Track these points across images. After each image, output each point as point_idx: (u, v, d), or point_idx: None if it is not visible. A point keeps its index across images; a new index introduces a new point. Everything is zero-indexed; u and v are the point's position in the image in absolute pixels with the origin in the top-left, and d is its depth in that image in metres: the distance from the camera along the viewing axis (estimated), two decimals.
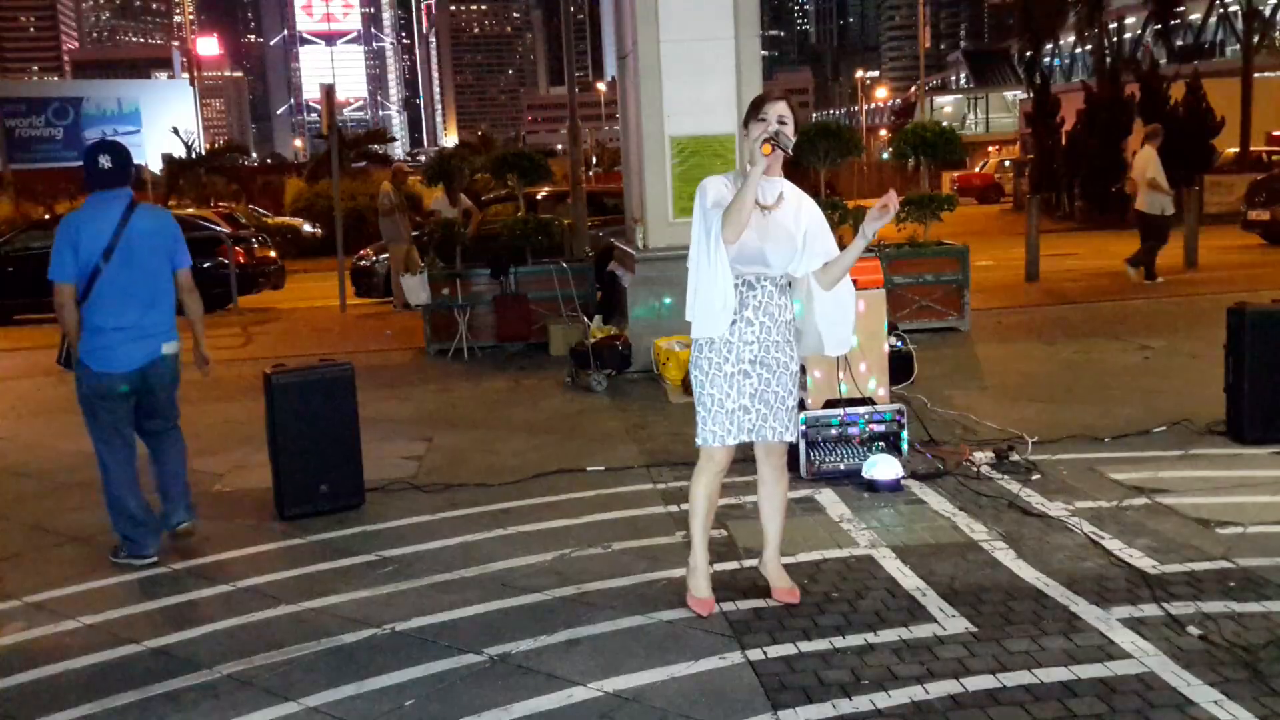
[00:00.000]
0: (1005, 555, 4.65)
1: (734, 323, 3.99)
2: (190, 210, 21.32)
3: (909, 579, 4.44)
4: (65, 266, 4.97)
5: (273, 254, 18.70)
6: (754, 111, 4.03)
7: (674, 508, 5.51)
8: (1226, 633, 3.76)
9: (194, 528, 5.43)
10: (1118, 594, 4.17)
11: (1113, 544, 4.71)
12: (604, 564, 4.74)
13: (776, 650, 3.81)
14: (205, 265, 16.54)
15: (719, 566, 4.63)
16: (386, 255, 15.36)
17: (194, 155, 38.37)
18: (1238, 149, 29.00)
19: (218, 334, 13.93)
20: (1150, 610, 3.99)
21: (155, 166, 45.72)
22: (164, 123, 55.71)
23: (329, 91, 15.24)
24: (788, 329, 4.10)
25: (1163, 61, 35.73)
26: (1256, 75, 30.49)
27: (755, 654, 3.79)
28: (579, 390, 8.79)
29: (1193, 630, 3.79)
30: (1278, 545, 4.56)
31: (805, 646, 3.85)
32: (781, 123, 3.94)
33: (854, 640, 3.88)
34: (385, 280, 15.68)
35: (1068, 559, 4.58)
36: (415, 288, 10.64)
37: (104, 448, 5.15)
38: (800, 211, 4.06)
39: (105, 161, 5.06)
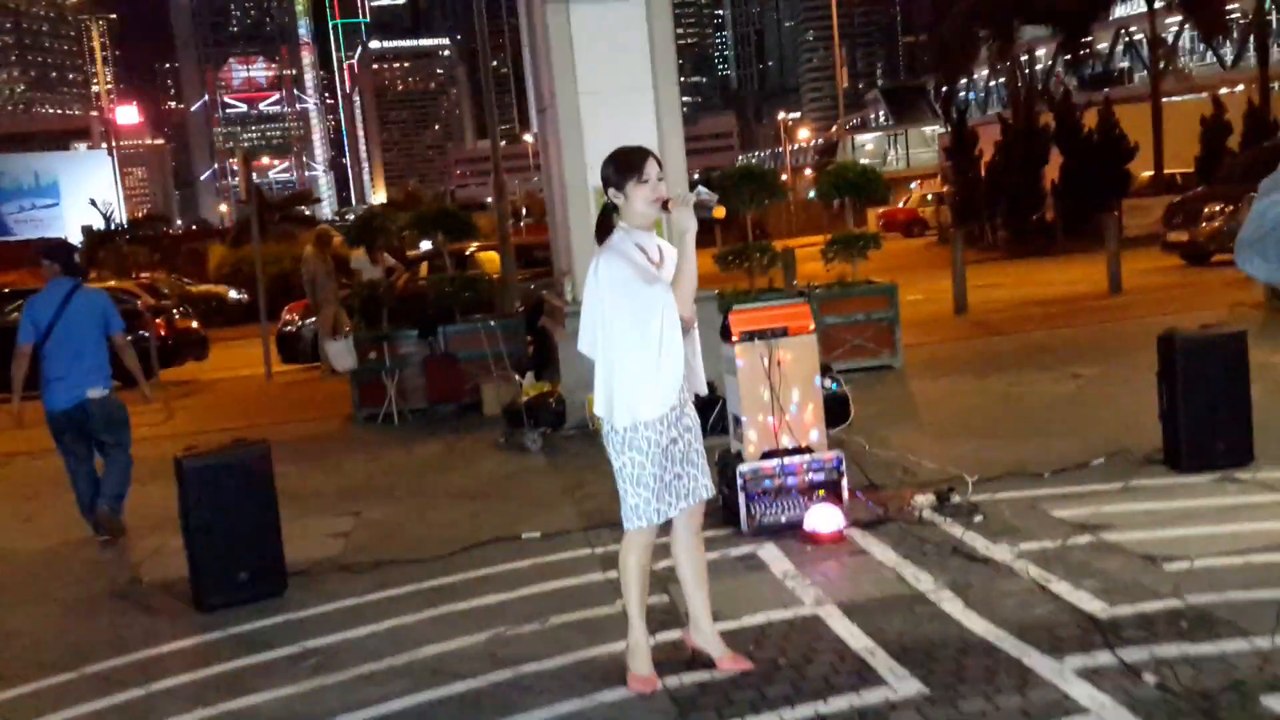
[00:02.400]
0: (953, 606, 4.52)
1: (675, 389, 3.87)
2: (111, 283, 20.75)
3: (857, 638, 4.28)
4: (26, 332, 6.84)
5: (194, 324, 18.24)
6: (631, 168, 3.85)
7: (613, 573, 5.28)
8: (1183, 679, 3.65)
9: (112, 519, 6.86)
10: (1070, 642, 4.05)
11: (1061, 587, 4.60)
12: (540, 642, 4.53)
13: None
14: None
15: (661, 636, 4.43)
16: (313, 319, 15.05)
17: (113, 226, 37.59)
18: (1152, 172, 29.73)
19: (138, 410, 13.50)
20: (1104, 658, 3.87)
21: (75, 239, 44.80)
22: (84, 194, 54.76)
23: (246, 156, 14.97)
24: (687, 382, 3.97)
25: (1074, 90, 36.65)
26: (1165, 100, 31.37)
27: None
28: (514, 450, 8.58)
29: (1149, 678, 3.67)
30: (1225, 580, 4.49)
31: None
32: (660, 179, 3.87)
33: (804, 711, 3.70)
34: (313, 344, 15.35)
35: (1017, 606, 4.46)
36: (340, 353, 10.38)
37: (65, 460, 7.00)
38: (668, 262, 3.96)
39: (52, 263, 7.11)
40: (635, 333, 3.77)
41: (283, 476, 8.31)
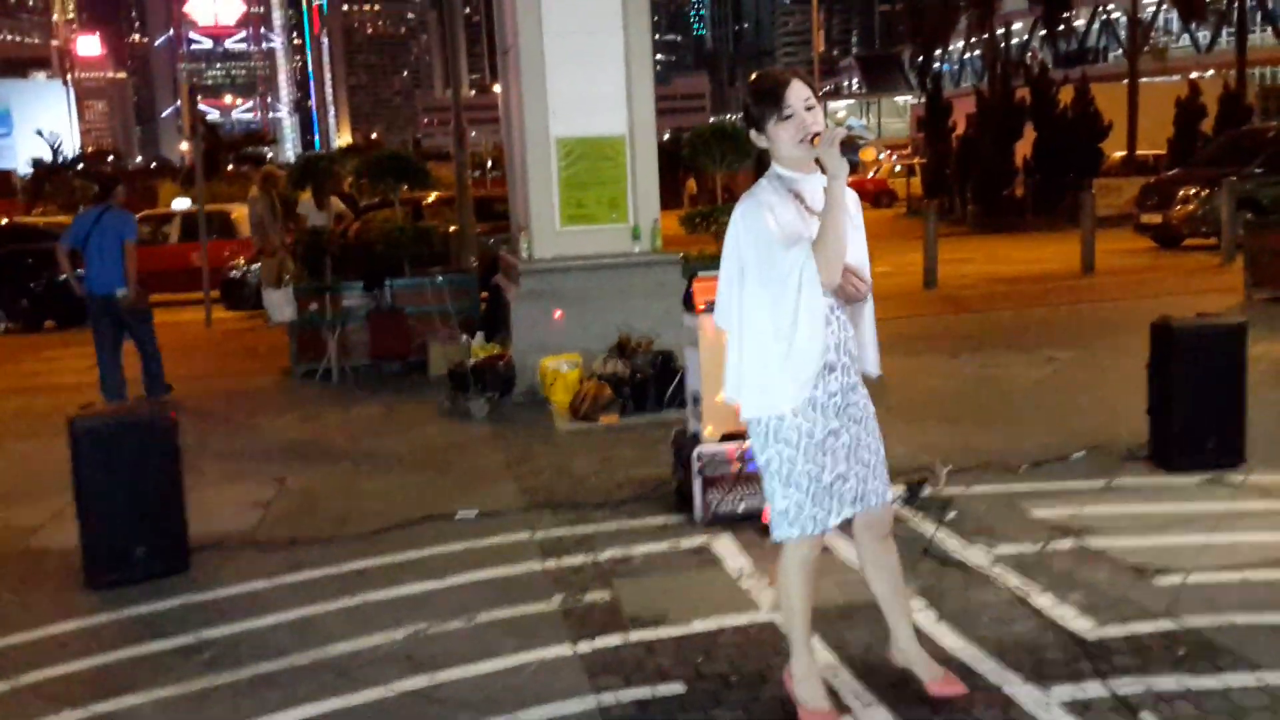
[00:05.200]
0: (925, 618, 4.08)
1: (824, 370, 3.13)
2: (40, 218, 19.89)
3: (818, 653, 3.82)
4: (66, 238, 8.88)
5: None
6: (768, 102, 3.07)
7: (552, 563, 4.83)
8: (1184, 717, 3.23)
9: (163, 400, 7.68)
10: (1056, 667, 3.62)
11: (1043, 600, 4.17)
12: (465, 643, 4.03)
13: None
14: (60, 278, 15.35)
15: (599, 640, 3.98)
16: (258, 265, 14.37)
17: (60, 159, 36.34)
18: (1124, 152, 29.49)
19: (68, 354, 12.84)
20: (1094, 689, 3.44)
21: (24, 170, 43.35)
22: (38, 125, 53.03)
23: (190, 88, 14.18)
24: (855, 362, 3.24)
25: (1050, 66, 36.31)
26: (1141, 80, 31.08)
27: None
28: (457, 417, 8.05)
29: (1147, 717, 3.25)
30: (1223, 599, 4.07)
31: None
32: (809, 107, 3.06)
33: None
34: (257, 292, 14.68)
35: (995, 621, 4.03)
36: (279, 303, 9.78)
37: (97, 346, 8.57)
38: (851, 209, 3.16)
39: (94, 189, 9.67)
40: (767, 304, 3.08)
41: (206, 434, 7.84)
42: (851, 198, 3.12)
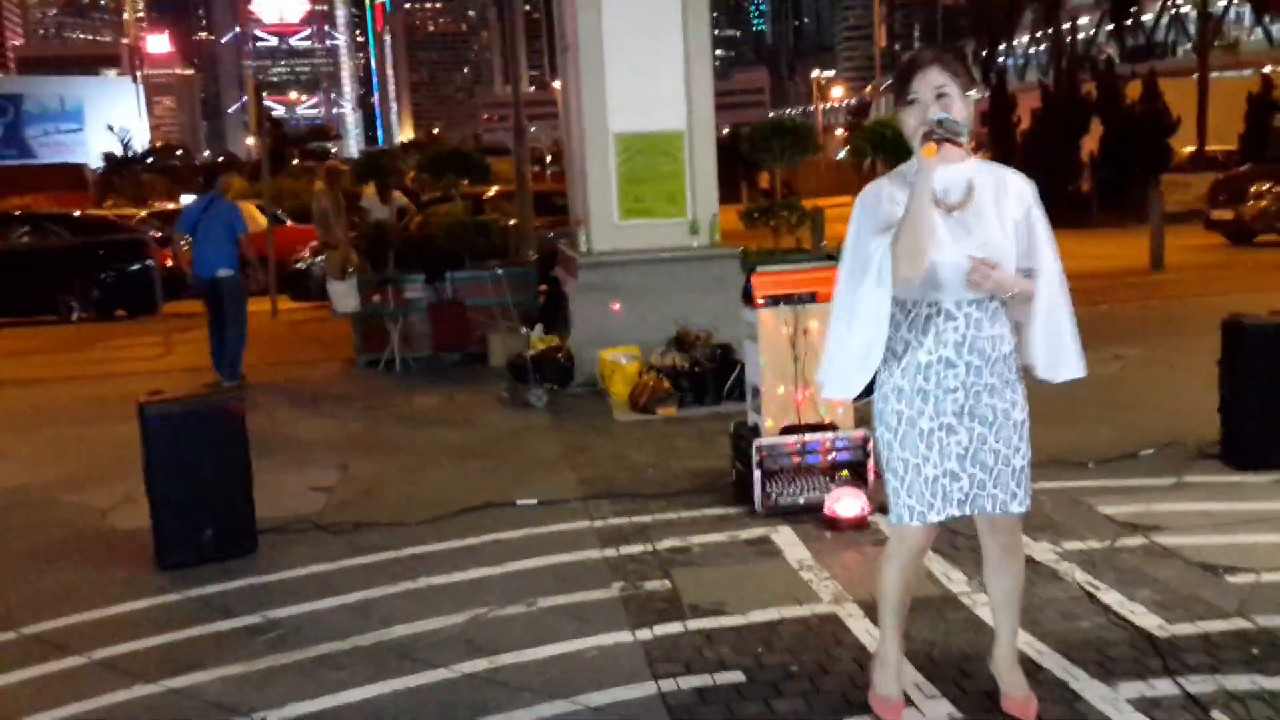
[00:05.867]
0: (989, 612, 4.00)
1: (929, 365, 3.02)
2: (114, 212, 20.34)
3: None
4: (181, 224, 9.91)
5: None
6: (901, 87, 2.99)
7: (611, 551, 4.84)
8: (1257, 717, 3.16)
9: (230, 387, 8.79)
10: (1123, 664, 3.55)
11: (1111, 597, 4.10)
12: (525, 628, 4.06)
13: None
14: (131, 269, 15.71)
15: (658, 628, 3.98)
16: (323, 257, 14.56)
17: (130, 153, 37.09)
18: (1193, 148, 28.86)
19: (138, 343, 13.12)
20: (1164, 687, 3.38)
21: (96, 165, 44.33)
22: (109, 120, 54.19)
23: (256, 85, 14.41)
24: (1006, 366, 3.07)
25: (1116, 61, 35.63)
26: (1213, 75, 30.40)
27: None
28: (517, 407, 8.10)
29: (1218, 716, 3.18)
30: None
31: None
32: (941, 95, 2.93)
33: None
34: (321, 283, 14.87)
35: (1061, 617, 3.96)
36: (343, 294, 9.90)
37: (209, 319, 9.55)
38: (1004, 200, 3.01)
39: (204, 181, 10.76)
40: (842, 290, 3.06)
41: (272, 422, 7.97)
42: (1017, 187, 3.02)
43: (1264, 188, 17.83)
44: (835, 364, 3.11)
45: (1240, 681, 3.38)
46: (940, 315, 3.01)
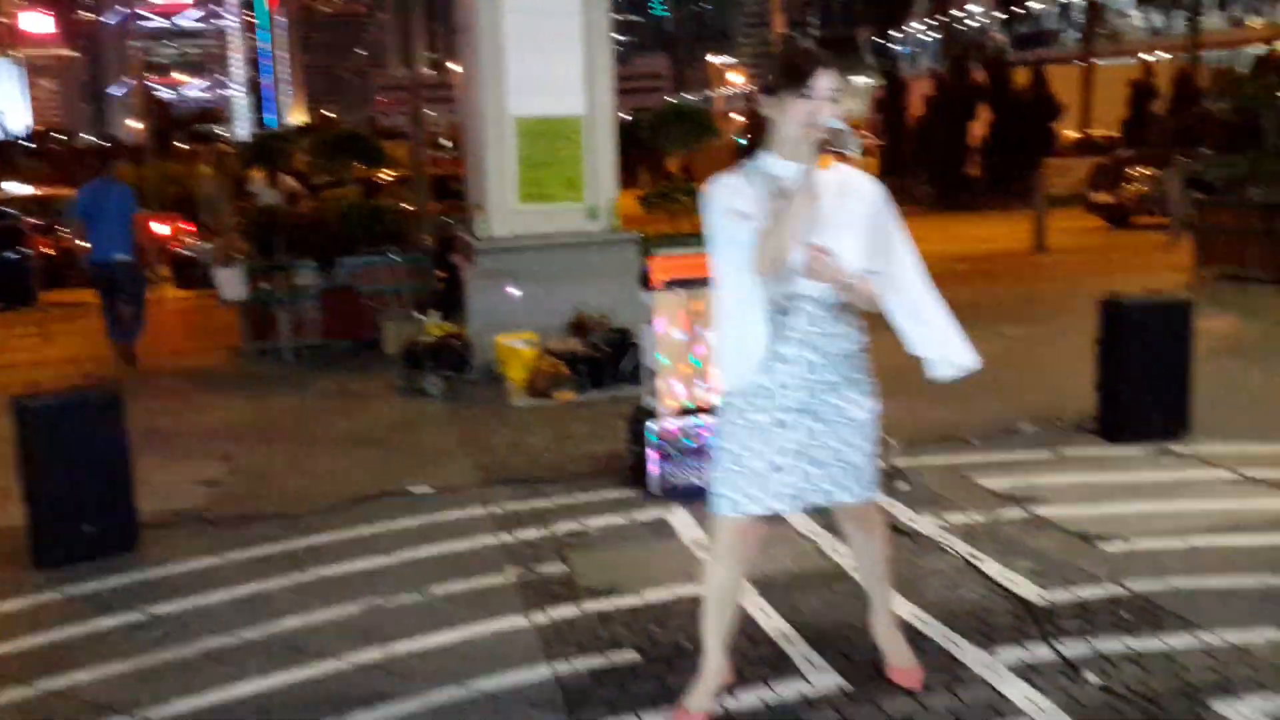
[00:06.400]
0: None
1: (774, 359, 2.98)
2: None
3: (771, 619, 3.87)
4: (75, 209, 9.86)
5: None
6: (795, 75, 2.92)
7: (507, 537, 4.83)
8: (1128, 679, 3.30)
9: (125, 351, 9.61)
10: (1003, 632, 3.68)
11: (992, 567, 4.24)
12: (419, 616, 4.02)
13: None
14: (4, 257, 15.09)
15: (554, 611, 3.99)
16: (210, 244, 14.17)
17: (4, 136, 35.59)
18: (1077, 133, 29.82)
19: (16, 334, 12.61)
20: (1041, 652, 3.50)
21: None
22: None
23: (142, 68, 13.95)
24: (849, 365, 3.06)
25: (1008, 48, 36.58)
26: (1097, 62, 31.41)
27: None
28: (412, 395, 8.00)
29: (1091, 678, 3.31)
30: (1167, 565, 4.15)
31: None
32: (834, 100, 2.91)
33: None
34: (207, 271, 14.48)
35: (944, 587, 4.08)
36: (230, 281, 9.65)
37: (103, 308, 9.72)
38: (848, 201, 2.99)
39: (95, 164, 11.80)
40: (723, 283, 3.02)
41: (156, 413, 7.74)
42: (863, 188, 3.03)
43: (1142, 172, 18.50)
44: (725, 354, 3.08)
45: (1113, 644, 3.53)
46: (781, 311, 2.98)
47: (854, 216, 2.99)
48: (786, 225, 2.85)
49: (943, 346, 3.21)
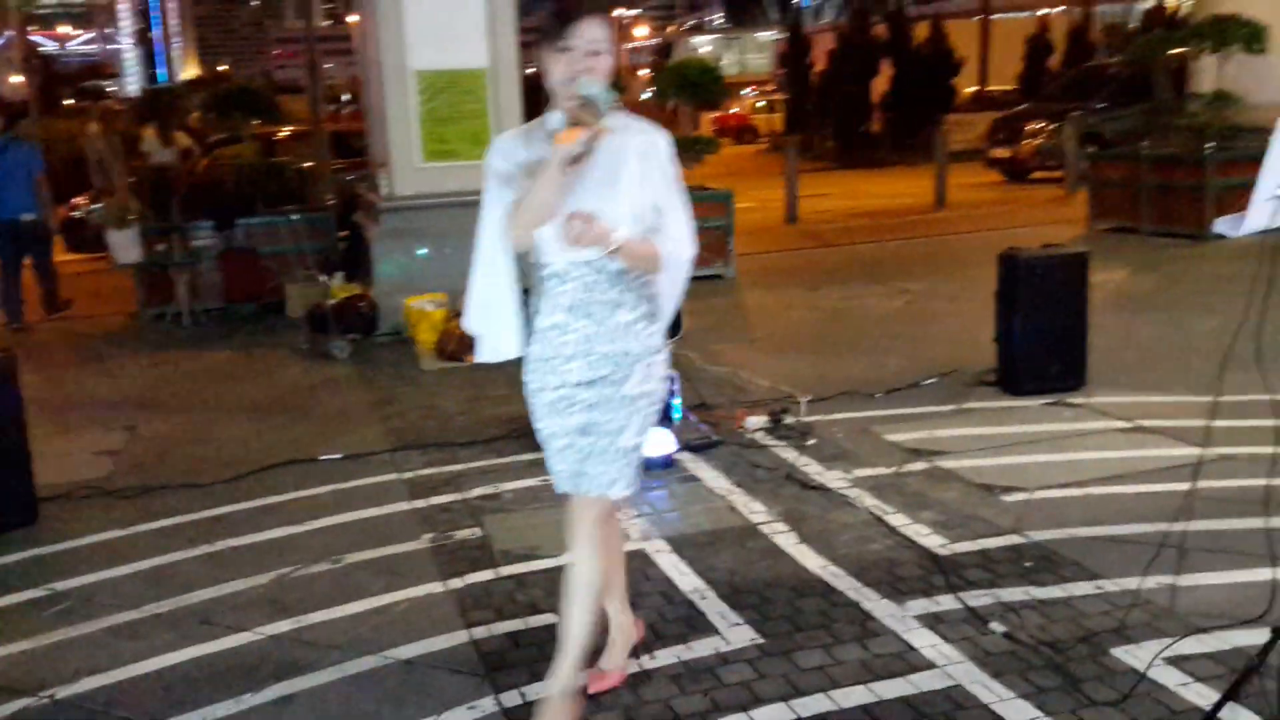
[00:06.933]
0: (787, 540, 4.20)
1: (548, 331, 2.82)
2: None
3: (686, 578, 3.92)
4: None
5: None
6: (553, 26, 2.67)
7: (421, 502, 4.80)
8: (1031, 627, 3.42)
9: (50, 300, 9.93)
10: (911, 583, 3.78)
11: (897, 519, 4.34)
12: (331, 585, 3.98)
13: (537, 690, 3.19)
14: None
15: (470, 577, 3.98)
16: (100, 205, 13.66)
17: None
18: (976, 88, 30.33)
19: None
20: (947, 603, 3.61)
21: None
22: None
23: (21, 20, 13.30)
24: (627, 335, 2.80)
25: (907, 3, 36.92)
26: (994, 16, 31.91)
27: (511, 698, 3.16)
28: (318, 359, 7.87)
29: (996, 627, 3.42)
30: (1065, 513, 4.31)
31: None
32: (595, 53, 2.65)
33: (627, 667, 3.30)
34: (99, 233, 13.97)
35: (853, 541, 4.17)
36: (124, 244, 9.34)
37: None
38: (627, 157, 2.74)
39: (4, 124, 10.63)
40: (480, 245, 2.91)
41: (52, 382, 7.50)
42: (645, 143, 2.76)
43: (1038, 127, 18.91)
44: (473, 324, 2.97)
45: (1015, 593, 3.65)
46: (554, 278, 2.81)
47: (629, 175, 2.74)
48: (537, 195, 2.65)
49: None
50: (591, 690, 3.12)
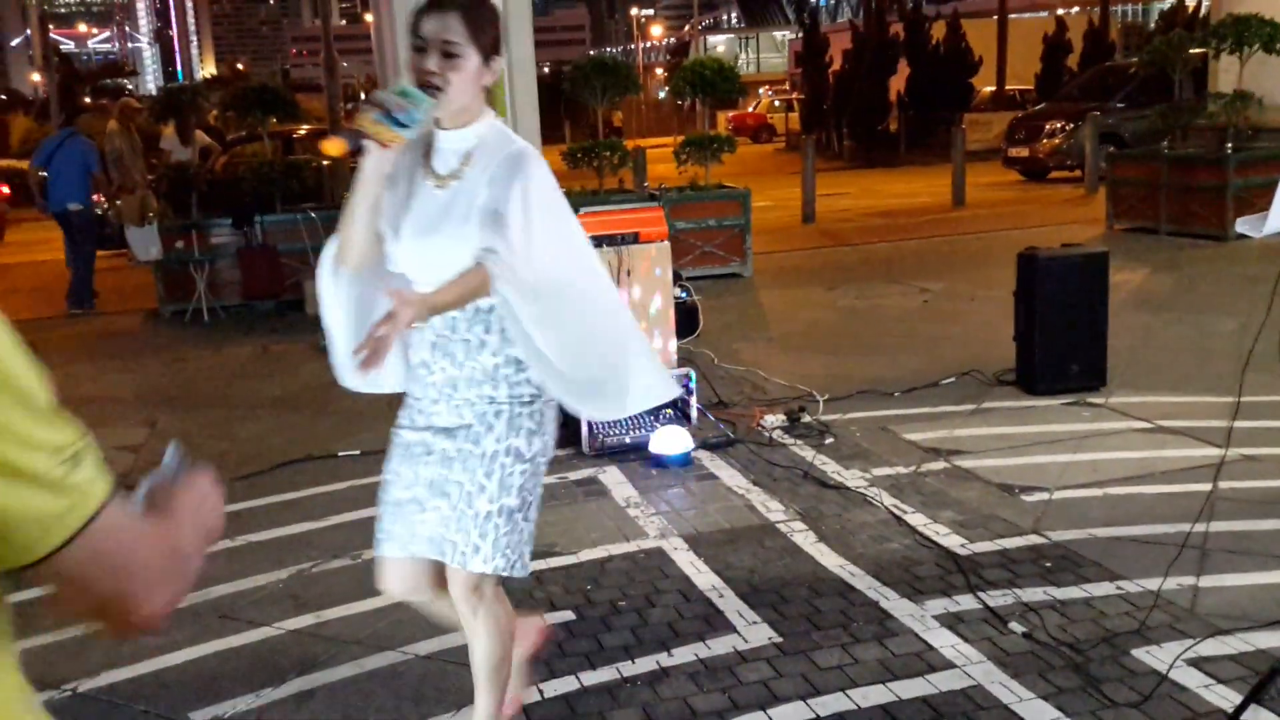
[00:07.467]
0: (805, 539, 4.20)
1: (415, 369, 2.51)
2: None
3: (704, 576, 3.92)
4: (37, 158, 10.31)
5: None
6: (413, 25, 2.35)
7: None
8: (1051, 627, 3.41)
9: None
10: (930, 583, 3.77)
11: (917, 519, 4.33)
12: (350, 580, 4.00)
13: (555, 687, 3.20)
14: None
15: None
16: (120, 202, 13.73)
17: None
18: (994, 88, 30.20)
19: None
20: (967, 602, 3.60)
21: None
22: None
23: (41, 18, 13.40)
24: (490, 381, 2.46)
25: (924, 2, 36.85)
26: (1012, 16, 31.80)
27: (529, 695, 3.16)
28: None
29: (1016, 627, 3.41)
30: (1085, 513, 4.29)
31: (589, 679, 3.25)
32: (450, 55, 2.31)
33: (645, 665, 3.31)
34: (119, 229, 14.05)
35: (872, 540, 4.17)
36: (144, 241, 9.39)
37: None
38: (484, 178, 2.39)
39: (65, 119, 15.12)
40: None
41: (73, 378, 7.54)
42: (505, 156, 2.39)
43: (1056, 126, 18.82)
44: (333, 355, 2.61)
45: (1035, 593, 3.64)
46: None
47: (468, 198, 2.39)
48: (346, 218, 2.34)
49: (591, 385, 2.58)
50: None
